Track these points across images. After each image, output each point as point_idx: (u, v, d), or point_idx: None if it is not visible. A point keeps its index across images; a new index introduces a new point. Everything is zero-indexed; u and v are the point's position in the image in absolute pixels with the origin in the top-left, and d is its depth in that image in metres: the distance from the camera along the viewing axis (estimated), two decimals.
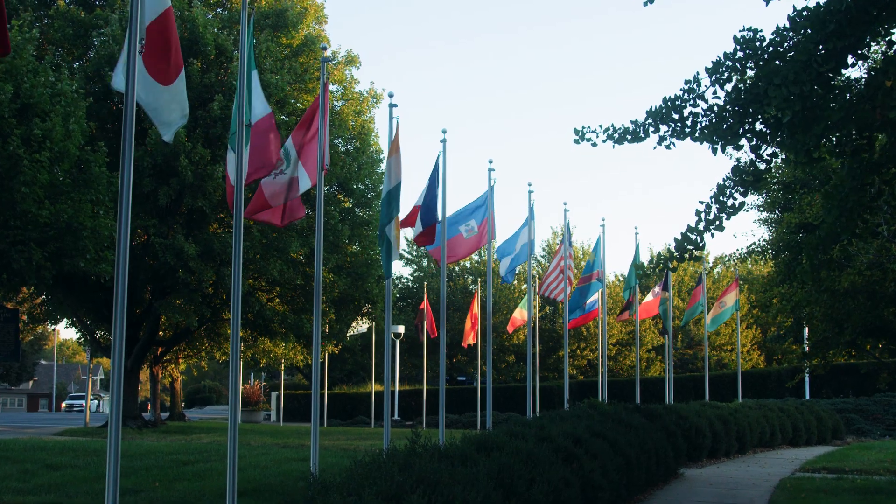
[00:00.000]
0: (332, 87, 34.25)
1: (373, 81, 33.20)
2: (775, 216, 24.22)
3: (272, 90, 28.82)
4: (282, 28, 31.34)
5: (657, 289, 31.62)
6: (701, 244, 9.84)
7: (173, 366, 46.21)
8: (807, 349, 34.35)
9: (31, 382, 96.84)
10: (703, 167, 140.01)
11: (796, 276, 17.49)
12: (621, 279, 61.98)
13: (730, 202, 9.49)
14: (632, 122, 9.77)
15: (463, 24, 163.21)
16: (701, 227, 9.86)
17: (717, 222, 9.59)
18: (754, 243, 22.99)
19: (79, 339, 41.04)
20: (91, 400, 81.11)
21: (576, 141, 10.13)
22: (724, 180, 9.62)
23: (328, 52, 34.49)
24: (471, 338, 37.17)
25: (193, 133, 28.47)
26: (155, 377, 42.62)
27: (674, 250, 9.91)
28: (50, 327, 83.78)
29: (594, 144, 10.11)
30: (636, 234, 28.31)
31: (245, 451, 21.95)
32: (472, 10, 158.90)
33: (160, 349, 38.68)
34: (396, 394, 48.37)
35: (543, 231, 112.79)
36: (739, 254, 22.24)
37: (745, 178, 9.30)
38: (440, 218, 17.32)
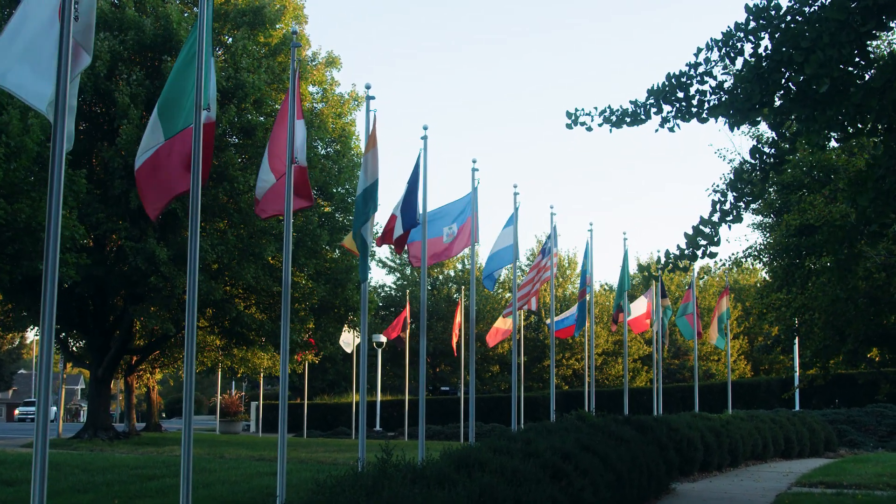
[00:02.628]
0: (311, 89, 33.40)
1: (354, 84, 32.51)
2: (770, 220, 23.40)
3: (249, 90, 27.93)
4: (259, 26, 30.40)
5: (644, 298, 30.78)
6: (716, 238, 8.66)
7: (149, 375, 45.12)
8: (797, 358, 33.75)
9: (10, 392, 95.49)
10: (695, 171, 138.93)
11: (795, 282, 16.70)
12: (607, 288, 61.32)
13: (748, 189, 8.46)
14: (631, 102, 8.72)
15: (451, 24, 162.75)
16: (716, 218, 8.69)
17: (735, 212, 8.44)
18: (751, 246, 22.11)
19: None
20: (50, 407, 79.78)
21: (568, 125, 9.18)
22: (741, 164, 8.56)
23: (308, 53, 33.83)
24: (454, 343, 36.92)
25: None
26: (130, 387, 41.52)
27: (684, 247, 8.77)
28: (28, 336, 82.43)
29: (589, 129, 9.13)
30: (625, 239, 27.50)
31: (216, 464, 21.12)
32: (463, 9, 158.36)
33: (135, 358, 37.61)
34: (378, 404, 47.45)
35: (528, 240, 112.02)
36: (735, 257, 21.31)
37: (766, 159, 8.30)
38: (420, 220, 16.51)
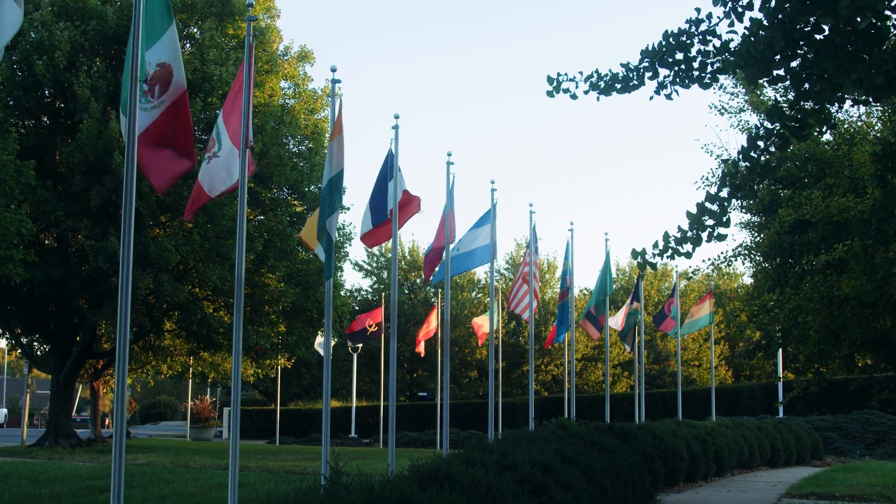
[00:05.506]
0: (283, 84, 32.32)
1: (327, 79, 31.47)
2: (759, 219, 22.50)
3: (216, 83, 26.82)
4: (227, 17, 29.23)
5: (625, 308, 29.83)
6: (725, 218, 7.40)
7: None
8: (780, 363, 32.92)
9: None
10: (683, 171, 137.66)
11: (789, 282, 15.80)
12: (586, 293, 60.40)
13: (763, 158, 7.27)
14: (622, 65, 7.59)
15: (438, 23, 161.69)
16: (724, 193, 7.35)
17: (748, 186, 7.26)
18: (740, 245, 21.13)
19: (9, 349, 38.66)
20: (1, 409, 78.31)
21: (549, 93, 8.10)
22: (755, 129, 7.41)
23: (280, 47, 32.74)
24: (420, 346, 36.61)
25: None
26: (96, 392, 40.19)
27: (687, 228, 7.44)
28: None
29: (574, 97, 8.06)
30: (606, 240, 26.46)
31: (177, 474, 20.06)
32: (450, 7, 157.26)
33: (101, 362, 36.31)
34: (353, 410, 46.39)
35: (507, 243, 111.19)
36: (724, 256, 20.31)
37: (787, 122, 7.14)
38: (390, 215, 15.54)
